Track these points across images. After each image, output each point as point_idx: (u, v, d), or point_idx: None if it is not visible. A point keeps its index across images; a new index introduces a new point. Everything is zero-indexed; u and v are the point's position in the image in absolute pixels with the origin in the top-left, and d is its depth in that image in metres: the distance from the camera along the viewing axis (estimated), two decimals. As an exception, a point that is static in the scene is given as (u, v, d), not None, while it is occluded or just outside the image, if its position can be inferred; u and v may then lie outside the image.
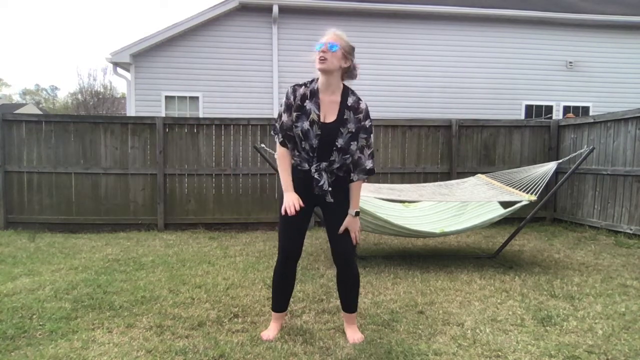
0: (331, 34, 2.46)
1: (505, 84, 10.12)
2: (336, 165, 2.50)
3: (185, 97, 9.43)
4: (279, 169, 2.58)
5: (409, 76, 9.84)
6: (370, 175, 2.61)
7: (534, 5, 10.18)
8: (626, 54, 10.36)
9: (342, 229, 2.54)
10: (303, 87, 2.52)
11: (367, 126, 2.52)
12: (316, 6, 9.30)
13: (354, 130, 2.47)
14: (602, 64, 10.34)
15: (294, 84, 2.54)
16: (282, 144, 2.55)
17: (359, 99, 2.53)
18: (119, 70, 9.36)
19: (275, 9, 9.16)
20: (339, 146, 2.46)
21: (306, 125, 2.44)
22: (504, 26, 10.05)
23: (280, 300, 2.73)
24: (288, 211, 2.40)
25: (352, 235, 2.56)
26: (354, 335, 2.66)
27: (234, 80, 9.38)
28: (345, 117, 2.47)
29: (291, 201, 2.42)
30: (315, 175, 2.47)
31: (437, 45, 9.94)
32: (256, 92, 9.42)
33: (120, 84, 50.06)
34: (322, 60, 2.41)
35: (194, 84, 9.36)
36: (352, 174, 2.56)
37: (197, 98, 9.41)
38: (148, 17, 75.32)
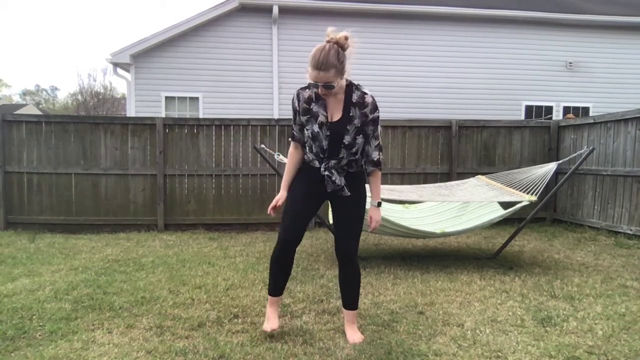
0: (321, 73, 2.33)
1: (505, 84, 10.13)
2: (344, 162, 2.52)
3: (185, 98, 9.43)
4: (286, 166, 2.70)
5: (409, 76, 9.85)
6: (378, 167, 2.59)
7: (534, 6, 10.18)
8: (626, 54, 10.37)
9: (368, 220, 2.64)
10: (308, 89, 2.54)
11: (375, 118, 2.50)
12: (316, 6, 9.30)
13: (359, 125, 2.49)
14: (602, 64, 10.35)
15: (299, 88, 2.57)
16: (298, 140, 2.62)
17: (364, 93, 2.50)
18: (119, 70, 9.36)
19: (275, 9, 9.17)
20: (346, 143, 2.48)
21: (316, 128, 2.48)
22: (504, 26, 10.05)
23: (277, 284, 2.73)
24: (269, 208, 2.59)
25: (373, 224, 2.63)
26: (354, 335, 2.66)
27: (234, 80, 9.39)
28: (351, 114, 2.48)
29: (276, 198, 2.61)
30: (326, 173, 2.51)
31: (437, 45, 9.94)
32: (256, 93, 9.42)
33: (120, 84, 49.99)
34: (325, 95, 2.45)
35: (194, 84, 9.36)
36: (364, 167, 2.61)
37: (197, 98, 9.41)
38: (147, 18, 75.36)
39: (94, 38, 75.39)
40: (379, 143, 2.57)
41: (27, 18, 76.83)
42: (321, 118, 2.47)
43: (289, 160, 2.68)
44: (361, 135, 2.51)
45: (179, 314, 3.06)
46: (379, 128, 2.56)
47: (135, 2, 77.26)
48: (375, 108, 2.50)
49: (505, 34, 10.10)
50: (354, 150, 2.51)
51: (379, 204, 2.64)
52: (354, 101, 2.49)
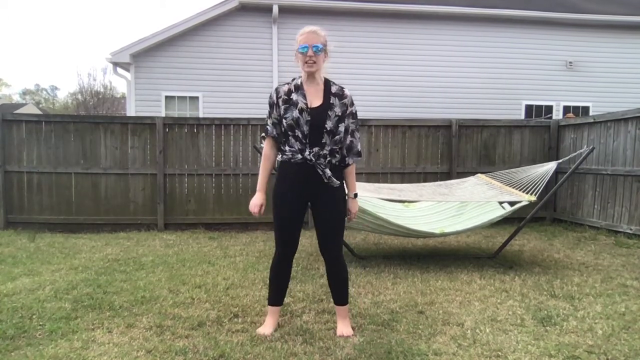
0: (312, 34, 2.54)
1: (506, 84, 10.12)
2: (328, 149, 2.59)
3: (185, 97, 9.42)
4: (260, 168, 2.75)
5: (409, 76, 9.84)
6: (360, 157, 2.76)
7: (534, 5, 10.18)
8: (626, 54, 10.36)
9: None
10: (286, 85, 2.66)
11: (354, 112, 2.70)
12: (316, 6, 9.30)
13: (340, 113, 2.61)
14: (602, 64, 10.34)
15: (277, 86, 2.69)
16: (273, 137, 2.66)
17: (342, 87, 2.69)
18: (119, 70, 9.36)
19: (275, 9, 9.16)
20: (328, 129, 2.57)
21: (296, 113, 2.55)
22: (504, 26, 10.05)
23: (277, 294, 2.78)
24: (252, 212, 2.71)
25: (352, 216, 2.76)
26: (343, 329, 2.72)
27: (234, 80, 9.38)
28: (331, 101, 2.60)
29: (256, 204, 2.71)
30: (312, 158, 2.55)
31: (437, 45, 9.93)
32: (256, 92, 9.39)
33: (120, 84, 50.01)
34: (311, 64, 2.54)
35: (194, 84, 9.36)
36: (346, 158, 2.68)
37: (197, 98, 9.41)
38: (147, 18, 75.32)
39: (94, 38, 75.41)
40: (359, 136, 2.76)
41: (27, 18, 76.82)
42: (301, 104, 2.55)
43: (264, 161, 2.72)
44: (343, 124, 2.61)
45: (179, 314, 3.06)
46: (359, 122, 2.76)
47: (135, 2, 77.23)
48: (352, 102, 2.69)
49: (506, 33, 10.09)
50: (337, 138, 2.59)
51: (356, 195, 2.76)
52: (334, 92, 2.63)
